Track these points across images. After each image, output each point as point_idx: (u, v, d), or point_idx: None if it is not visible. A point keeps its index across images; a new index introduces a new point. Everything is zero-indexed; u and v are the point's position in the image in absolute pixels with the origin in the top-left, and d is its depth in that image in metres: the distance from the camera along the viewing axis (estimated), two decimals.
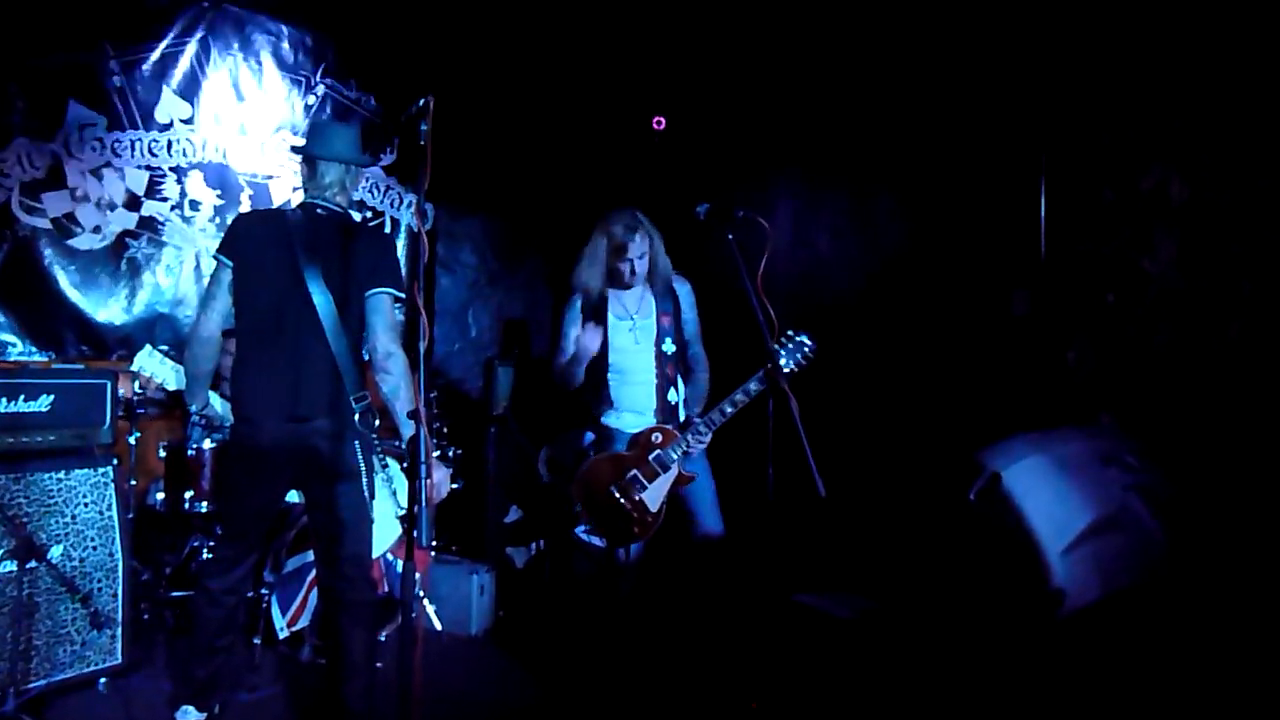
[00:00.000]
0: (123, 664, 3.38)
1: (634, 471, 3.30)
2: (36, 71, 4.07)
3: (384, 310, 2.82)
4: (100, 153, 4.27)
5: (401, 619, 2.24)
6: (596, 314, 3.48)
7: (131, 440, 3.80)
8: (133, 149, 4.36)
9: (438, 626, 4.11)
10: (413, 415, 2.19)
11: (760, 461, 2.87)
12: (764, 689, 3.04)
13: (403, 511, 2.14)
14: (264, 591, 3.66)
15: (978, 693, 2.72)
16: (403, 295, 2.87)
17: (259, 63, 4.79)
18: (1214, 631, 2.52)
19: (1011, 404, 3.54)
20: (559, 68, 5.51)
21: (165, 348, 3.18)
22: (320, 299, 2.75)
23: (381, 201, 5.26)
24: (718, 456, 3.51)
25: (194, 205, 4.57)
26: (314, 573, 3.46)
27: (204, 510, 3.74)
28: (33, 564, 3.11)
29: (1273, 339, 2.92)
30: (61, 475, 3.31)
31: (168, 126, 4.47)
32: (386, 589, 3.84)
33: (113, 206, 4.33)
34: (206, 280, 3.26)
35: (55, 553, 3.22)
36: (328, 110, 5.01)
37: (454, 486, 4.16)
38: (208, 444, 3.77)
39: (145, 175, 4.42)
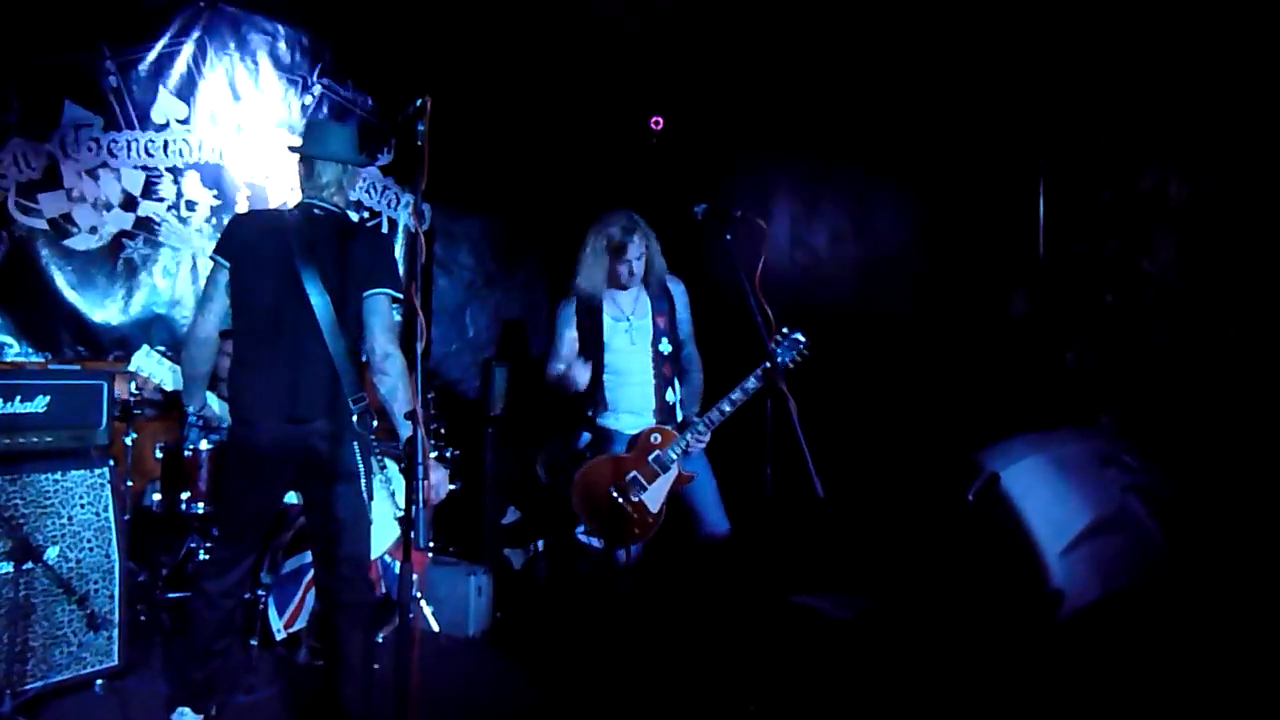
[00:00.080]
0: (119, 665, 3.37)
1: (634, 473, 3.29)
2: (33, 71, 4.05)
3: (382, 311, 2.81)
4: (96, 153, 4.25)
5: (399, 620, 2.23)
6: (592, 315, 3.48)
7: (128, 441, 3.78)
8: (129, 149, 4.35)
9: (435, 628, 4.11)
10: (410, 416, 2.18)
11: (758, 462, 2.87)
12: (762, 690, 3.04)
13: (401, 513, 2.13)
14: (261, 593, 3.65)
15: (977, 694, 2.72)
16: (400, 296, 2.87)
17: (255, 63, 4.78)
18: (1213, 632, 2.52)
19: (1010, 404, 3.54)
20: (557, 67, 5.50)
21: (162, 348, 3.18)
22: (318, 300, 2.74)
23: (379, 202, 5.25)
24: (716, 457, 3.50)
25: (190, 206, 4.56)
26: (311, 574, 3.45)
27: (201, 511, 3.73)
28: (29, 565, 3.11)
29: (1271, 339, 2.92)
30: (58, 476, 3.31)
31: (164, 127, 4.46)
32: (384, 590, 3.83)
33: (109, 207, 4.31)
34: (203, 281, 3.24)
35: (52, 554, 3.21)
36: (324, 110, 5.01)
37: (452, 487, 4.16)
38: (205, 445, 3.76)
39: (142, 176, 4.40)
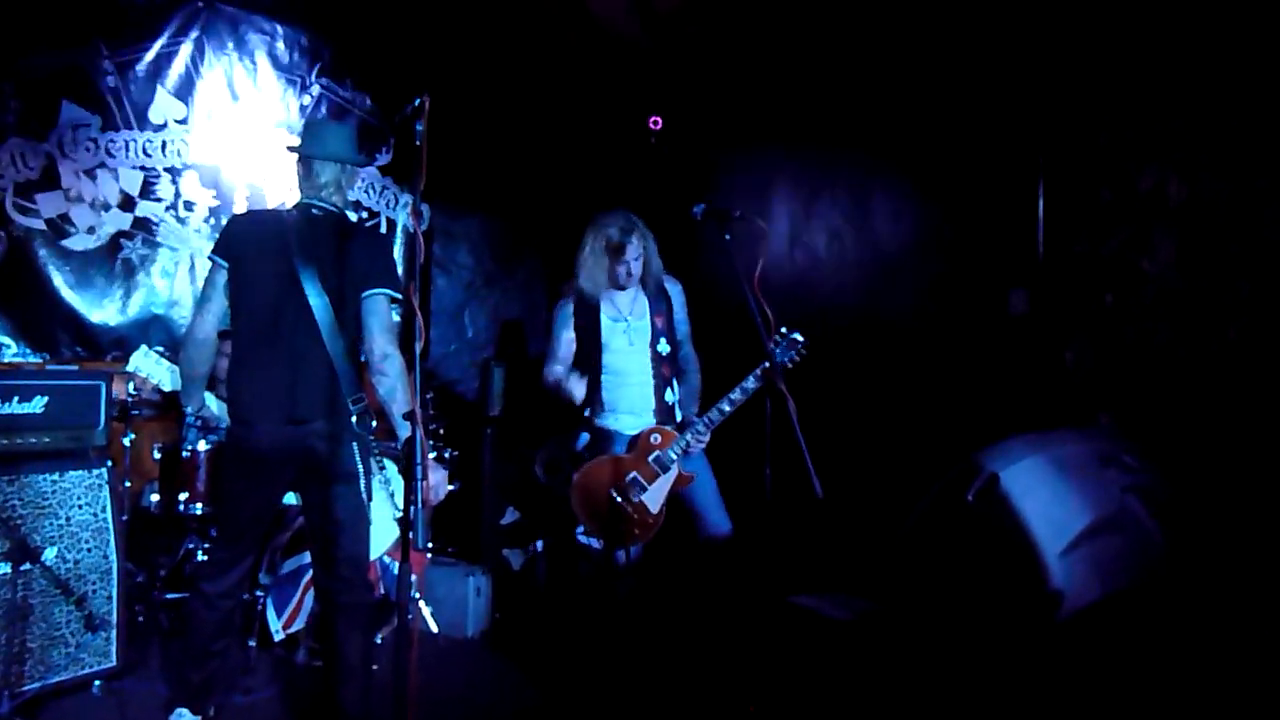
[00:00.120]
0: (117, 666, 3.36)
1: (634, 474, 3.29)
2: (30, 71, 4.05)
3: (380, 311, 2.81)
4: (94, 153, 4.25)
5: (398, 621, 2.23)
6: (589, 316, 3.47)
7: (126, 442, 3.78)
8: (127, 149, 4.34)
9: (434, 629, 4.10)
10: (409, 417, 2.18)
11: (757, 462, 2.86)
12: (762, 691, 3.03)
13: (400, 513, 2.13)
14: (259, 594, 3.64)
15: (976, 695, 2.71)
16: (399, 296, 2.86)
17: (254, 62, 4.78)
18: (1213, 633, 2.51)
19: (1010, 404, 3.54)
20: (556, 68, 5.50)
21: (161, 349, 3.17)
22: (316, 300, 2.73)
23: (377, 202, 5.25)
24: (715, 457, 3.50)
25: (189, 206, 4.56)
26: (310, 575, 3.45)
27: (199, 512, 3.73)
28: (27, 566, 3.10)
29: (1271, 340, 2.91)
30: (56, 477, 3.30)
31: (162, 127, 4.45)
32: (383, 591, 3.83)
33: (107, 207, 4.31)
34: (201, 281, 3.24)
35: (49, 555, 3.20)
36: (323, 110, 5.00)
37: (450, 488, 4.16)
38: (203, 445, 3.75)
39: (140, 176, 4.40)
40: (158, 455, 3.88)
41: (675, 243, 3.73)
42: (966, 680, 2.75)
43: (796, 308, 4.29)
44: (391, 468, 3.74)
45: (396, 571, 2.23)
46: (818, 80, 4.43)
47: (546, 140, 5.78)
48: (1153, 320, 3.23)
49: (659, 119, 4.65)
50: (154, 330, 4.42)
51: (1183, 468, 2.93)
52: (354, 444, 2.76)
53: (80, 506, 3.34)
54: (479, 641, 4.17)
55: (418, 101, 2.31)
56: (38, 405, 3.29)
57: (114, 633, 3.36)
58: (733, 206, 3.12)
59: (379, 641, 3.73)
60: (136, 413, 3.75)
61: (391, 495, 3.71)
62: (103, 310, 4.34)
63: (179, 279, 4.54)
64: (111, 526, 3.41)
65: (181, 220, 4.54)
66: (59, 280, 4.20)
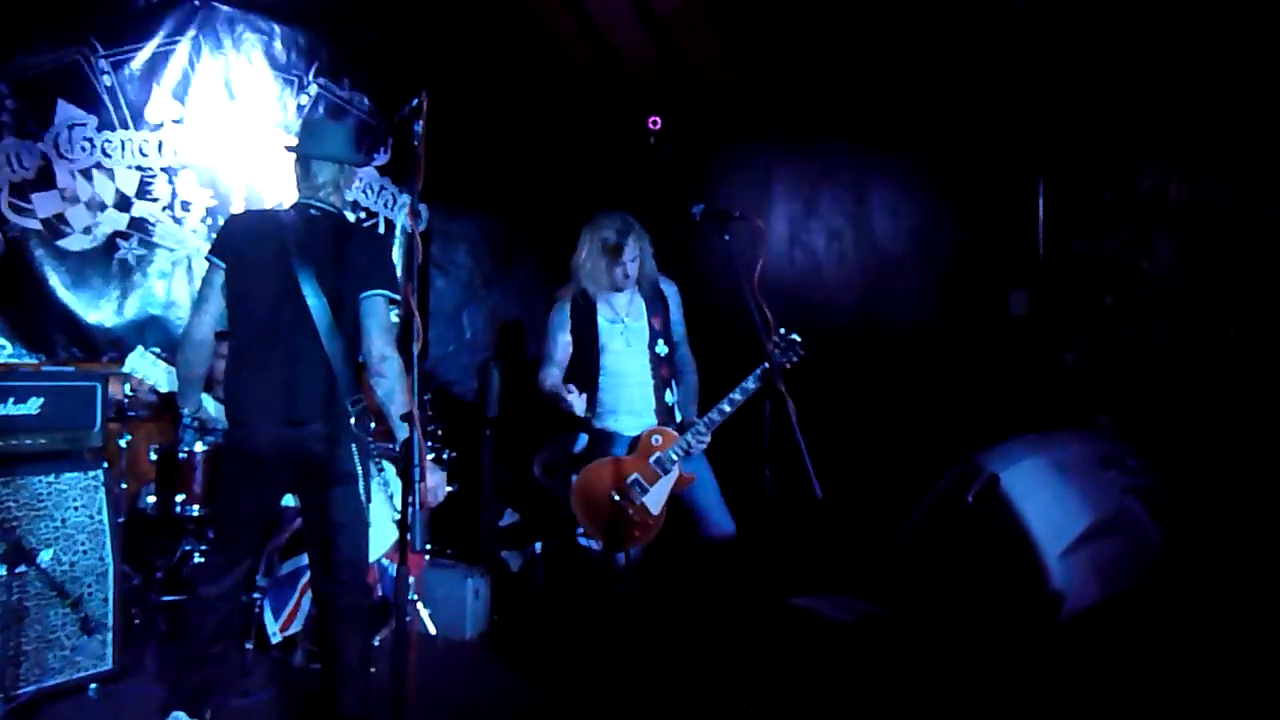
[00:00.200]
0: (113, 669, 3.35)
1: (634, 475, 3.28)
2: (26, 70, 4.04)
3: (378, 313, 2.79)
4: (90, 153, 4.24)
5: (395, 623, 2.21)
6: (586, 318, 3.46)
7: (122, 443, 3.77)
8: (123, 149, 4.33)
9: (432, 631, 4.09)
10: (406, 418, 2.17)
11: (757, 463, 2.85)
12: (761, 693, 3.02)
13: (399, 515, 2.12)
14: (256, 596, 3.63)
15: (975, 697, 2.71)
16: (398, 298, 2.85)
17: (250, 62, 4.76)
18: (1213, 634, 2.51)
19: (1009, 406, 3.54)
20: (555, 67, 5.49)
21: (157, 350, 3.16)
22: (314, 301, 2.72)
23: (375, 202, 5.23)
24: (714, 458, 3.49)
25: (185, 206, 4.54)
26: (307, 577, 3.43)
27: (196, 514, 3.71)
28: (22, 568, 3.08)
29: (1271, 340, 2.91)
30: (51, 479, 3.28)
31: (159, 126, 4.44)
32: (381, 593, 3.81)
33: (103, 207, 4.29)
34: (198, 282, 3.22)
35: (45, 557, 3.19)
36: (320, 110, 4.99)
37: (449, 489, 4.14)
38: (200, 447, 3.74)
39: (136, 175, 4.38)
40: (154, 457, 3.87)
41: (674, 243, 3.73)
42: (966, 682, 2.74)
43: (796, 308, 4.28)
44: (390, 469, 3.73)
45: (395, 573, 2.21)
46: (817, 80, 4.43)
47: (545, 140, 5.77)
48: (1152, 321, 3.22)
49: (658, 119, 4.64)
50: (151, 331, 4.41)
51: (1183, 469, 2.93)
52: (352, 445, 2.75)
53: (76, 508, 3.33)
54: (477, 643, 4.16)
55: (416, 101, 2.29)
56: (33, 406, 3.28)
57: (110, 635, 3.34)
58: (732, 207, 3.11)
59: (377, 644, 3.71)
60: (133, 414, 3.74)
61: (390, 497, 3.70)
62: (99, 311, 4.32)
63: (176, 279, 4.52)
64: (107, 528, 3.39)
65: (178, 220, 4.52)
66: (55, 281, 4.19)
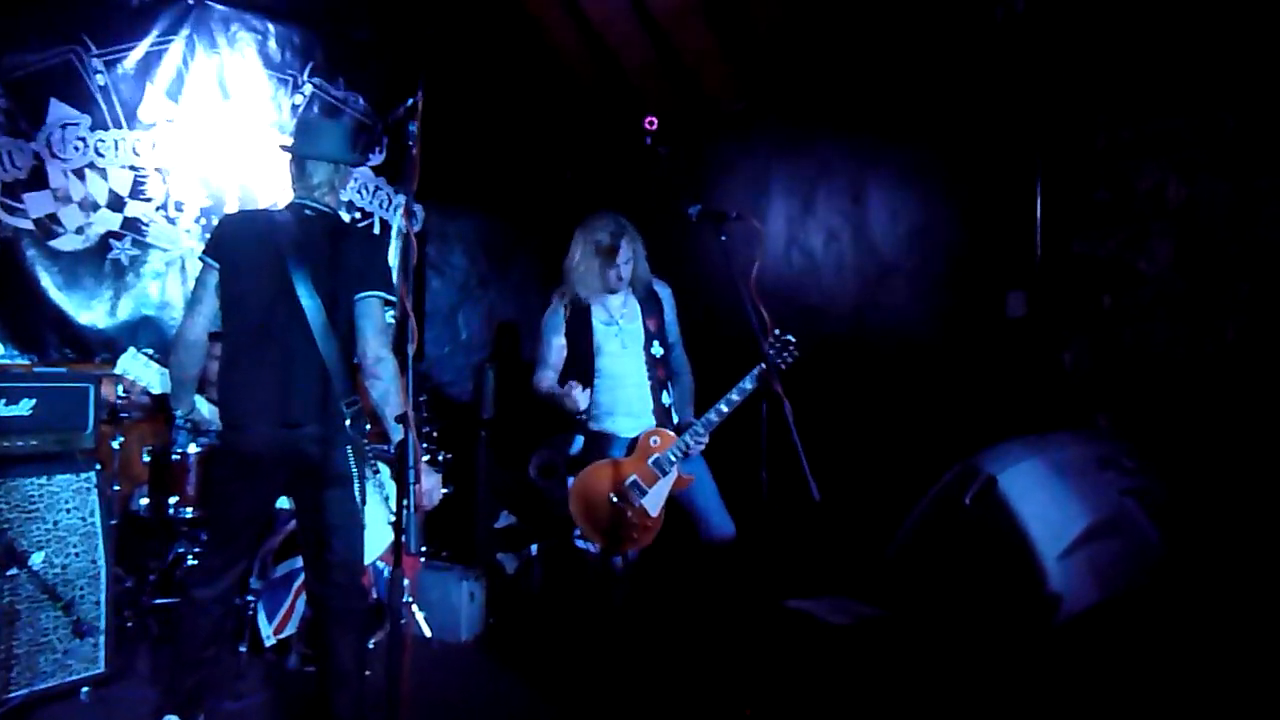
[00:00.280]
0: (106, 673, 3.33)
1: (633, 477, 3.27)
2: (18, 69, 4.01)
3: (373, 314, 2.77)
4: (83, 152, 4.21)
5: (390, 626, 2.20)
6: (581, 321, 3.45)
7: (115, 445, 3.74)
8: (116, 149, 4.30)
9: (427, 633, 4.07)
10: (401, 419, 2.15)
11: (754, 465, 2.84)
12: (758, 696, 3.01)
13: (394, 517, 2.10)
14: (250, 598, 3.61)
15: (973, 699, 2.70)
16: (393, 299, 2.83)
17: (245, 61, 4.74)
18: (1212, 635, 2.51)
19: (1007, 407, 3.53)
20: (550, 67, 5.48)
21: (150, 351, 3.13)
22: (309, 302, 2.70)
23: (371, 202, 5.21)
24: (711, 460, 3.48)
25: (179, 206, 4.52)
26: (301, 579, 3.42)
27: (189, 516, 3.69)
28: (14, 571, 3.06)
29: (1270, 341, 2.91)
30: (43, 480, 3.26)
31: (152, 126, 4.41)
32: (376, 596, 3.79)
33: (96, 207, 4.27)
34: (192, 283, 3.21)
35: (37, 559, 3.17)
36: (315, 110, 4.96)
37: (445, 491, 4.12)
38: (193, 449, 3.71)
39: (129, 175, 4.36)
40: (147, 458, 3.84)
41: (670, 243, 3.72)
42: (964, 684, 2.74)
43: (793, 309, 4.29)
44: (386, 471, 3.71)
45: (390, 576, 2.20)
46: (814, 81, 4.42)
47: (541, 140, 5.76)
48: (1151, 321, 3.22)
49: (654, 119, 4.63)
50: (144, 332, 4.38)
51: (1181, 470, 2.93)
52: (347, 447, 2.73)
53: (68, 510, 3.31)
54: (473, 646, 4.14)
55: (411, 101, 2.28)
56: (25, 408, 3.26)
57: (102, 638, 3.33)
58: (728, 207, 3.10)
59: (372, 646, 3.69)
60: (125, 415, 3.72)
61: (386, 499, 3.68)
62: (91, 312, 4.29)
63: (169, 280, 4.50)
64: (100, 530, 3.37)
65: (172, 220, 4.50)
66: (47, 281, 4.16)
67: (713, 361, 3.52)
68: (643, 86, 5.12)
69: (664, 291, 3.58)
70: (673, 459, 3.27)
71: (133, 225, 4.38)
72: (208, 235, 3.07)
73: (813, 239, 4.46)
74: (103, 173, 4.28)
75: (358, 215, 5.13)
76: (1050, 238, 3.49)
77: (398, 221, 5.26)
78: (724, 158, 4.90)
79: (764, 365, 2.99)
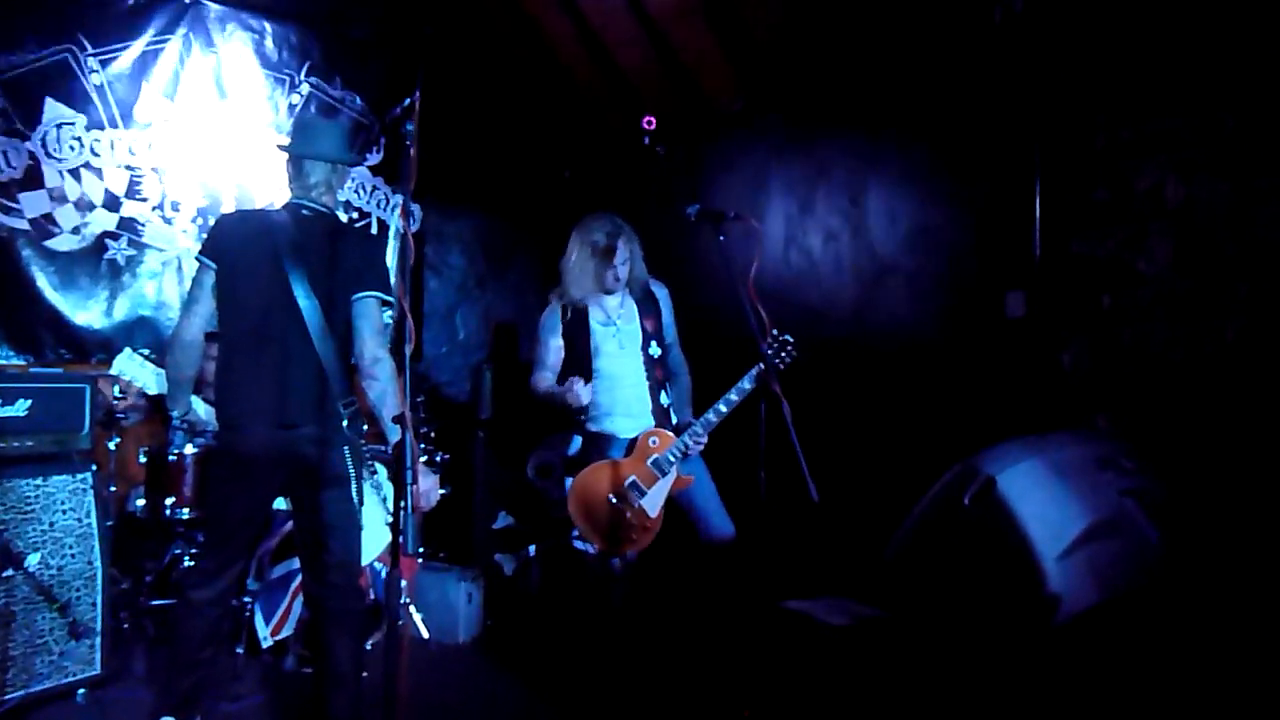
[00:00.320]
0: (102, 674, 3.32)
1: (632, 478, 3.27)
2: (13, 68, 4.00)
3: (371, 315, 2.77)
4: (79, 152, 4.20)
5: (388, 627, 2.20)
6: (578, 321, 3.44)
7: (111, 445, 3.73)
8: (112, 148, 4.29)
9: (425, 635, 4.06)
10: (398, 420, 2.15)
11: (752, 465, 2.84)
12: (756, 697, 3.01)
13: (392, 518, 2.10)
14: (247, 600, 3.60)
15: (972, 701, 2.69)
16: (390, 299, 2.82)
17: (241, 60, 4.73)
18: (1211, 636, 2.50)
19: (1006, 407, 3.53)
20: (547, 66, 5.47)
21: (146, 351, 3.13)
22: (305, 302, 2.69)
23: (368, 202, 5.20)
24: (709, 460, 3.47)
25: (175, 206, 4.51)
26: (299, 580, 3.41)
27: (186, 517, 3.68)
28: (9, 572, 3.06)
29: (1270, 341, 2.90)
30: (39, 481, 3.25)
31: (148, 125, 4.40)
32: (374, 597, 3.79)
33: (92, 207, 4.26)
34: (188, 283, 3.20)
35: (32, 560, 3.16)
36: (312, 109, 4.95)
37: (442, 492, 4.12)
38: (190, 449, 3.70)
39: (125, 175, 4.35)
40: (143, 459, 3.83)
41: (668, 243, 3.71)
42: (963, 685, 2.73)
43: (792, 309, 4.28)
44: (383, 472, 3.70)
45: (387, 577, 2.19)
46: (813, 81, 4.42)
47: (539, 140, 5.75)
48: (1150, 322, 3.22)
49: (652, 119, 4.62)
50: (140, 332, 4.37)
51: (1180, 470, 2.92)
52: (345, 448, 2.73)
53: (64, 511, 3.30)
54: (470, 648, 4.13)
55: (408, 101, 2.27)
56: (21, 408, 3.25)
57: (98, 640, 3.32)
58: (727, 207, 3.09)
59: (369, 648, 3.68)
60: (121, 416, 3.70)
61: (383, 500, 3.67)
62: (87, 312, 4.28)
63: (166, 280, 4.49)
64: (96, 532, 3.36)
65: (168, 220, 4.49)
66: (43, 281, 4.15)
67: (711, 362, 3.52)
68: (641, 86, 5.11)
69: (661, 292, 3.58)
70: (672, 459, 3.26)
71: (129, 225, 4.37)
72: (204, 235, 3.06)
73: (811, 239, 4.46)
74: (98, 172, 4.26)
75: (355, 215, 5.12)
76: (1049, 238, 3.49)
77: (395, 221, 5.25)
78: (722, 157, 4.90)
79: (762, 365, 2.99)
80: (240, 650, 3.56)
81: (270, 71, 4.83)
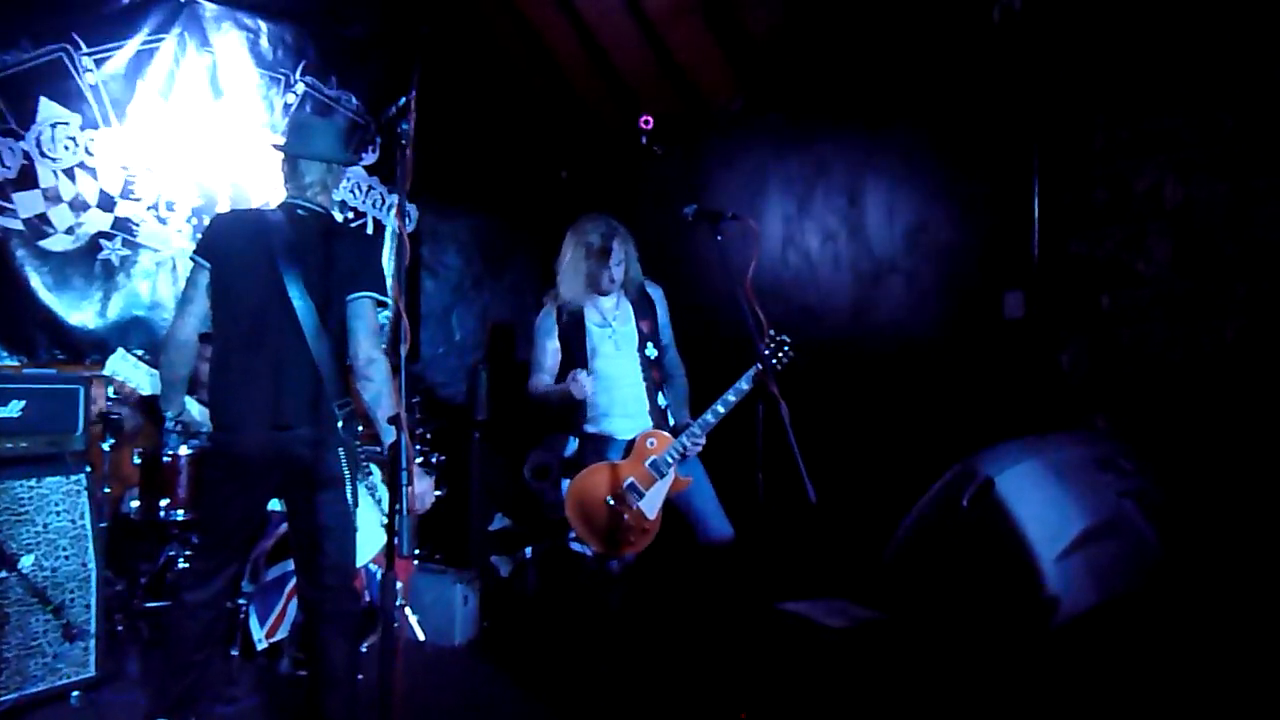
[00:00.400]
0: (96, 676, 3.31)
1: (630, 479, 3.26)
2: (7, 68, 3.99)
3: (366, 315, 2.75)
4: (73, 152, 4.18)
5: (383, 629, 2.18)
6: (575, 323, 3.43)
7: (105, 447, 3.71)
8: (107, 148, 4.27)
9: (420, 637, 4.05)
10: (393, 421, 2.13)
11: (750, 467, 2.83)
12: (754, 699, 3.00)
13: (387, 520, 2.09)
14: (242, 602, 3.59)
15: (971, 703, 2.69)
16: (386, 300, 2.81)
17: (237, 60, 4.71)
18: (1210, 637, 2.50)
19: (1005, 408, 3.52)
20: (547, 66, 5.46)
21: (140, 351, 3.11)
22: (300, 303, 2.68)
23: (364, 202, 5.19)
24: (706, 462, 3.46)
25: (170, 206, 4.49)
26: (293, 583, 3.39)
27: (180, 519, 3.67)
28: (3, 574, 3.06)
29: (1269, 341, 2.90)
30: (33, 483, 3.24)
31: (143, 125, 4.38)
32: (369, 599, 3.77)
33: (86, 207, 4.24)
34: (183, 283, 3.19)
35: (26, 562, 3.15)
36: (308, 108, 4.94)
37: (438, 493, 4.11)
38: (184, 451, 3.69)
39: (120, 175, 4.33)
40: (138, 460, 3.81)
41: (666, 244, 3.70)
42: (961, 688, 2.72)
43: (790, 310, 4.28)
44: (378, 473, 3.69)
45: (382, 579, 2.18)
46: (811, 81, 4.41)
47: (536, 140, 5.74)
48: (1149, 322, 3.21)
49: (650, 118, 4.62)
50: (134, 333, 4.35)
51: (1179, 471, 2.92)
52: (339, 449, 2.72)
53: (58, 513, 3.28)
54: (466, 650, 4.12)
55: (404, 100, 2.26)
56: (14, 409, 3.25)
57: (92, 642, 3.31)
58: (724, 207, 3.08)
59: (365, 650, 3.67)
60: (116, 416, 3.69)
61: (378, 501, 3.66)
62: (82, 312, 4.27)
63: (160, 280, 4.47)
64: (90, 533, 3.35)
65: (163, 220, 4.47)
66: (37, 282, 4.14)
67: (708, 363, 3.51)
68: (638, 86, 5.10)
69: (656, 293, 3.57)
70: (670, 461, 3.25)
71: (123, 225, 4.36)
72: (199, 235, 3.04)
73: (809, 239, 4.45)
74: (93, 172, 4.25)
75: (351, 215, 5.11)
76: (1048, 238, 3.48)
77: (391, 221, 5.24)
78: (720, 157, 4.89)
79: (760, 366, 2.98)
80: (235, 653, 3.55)
81: (265, 71, 4.81)
